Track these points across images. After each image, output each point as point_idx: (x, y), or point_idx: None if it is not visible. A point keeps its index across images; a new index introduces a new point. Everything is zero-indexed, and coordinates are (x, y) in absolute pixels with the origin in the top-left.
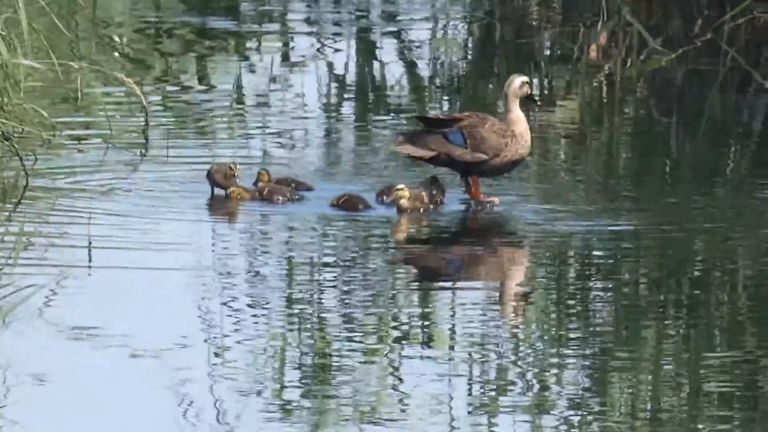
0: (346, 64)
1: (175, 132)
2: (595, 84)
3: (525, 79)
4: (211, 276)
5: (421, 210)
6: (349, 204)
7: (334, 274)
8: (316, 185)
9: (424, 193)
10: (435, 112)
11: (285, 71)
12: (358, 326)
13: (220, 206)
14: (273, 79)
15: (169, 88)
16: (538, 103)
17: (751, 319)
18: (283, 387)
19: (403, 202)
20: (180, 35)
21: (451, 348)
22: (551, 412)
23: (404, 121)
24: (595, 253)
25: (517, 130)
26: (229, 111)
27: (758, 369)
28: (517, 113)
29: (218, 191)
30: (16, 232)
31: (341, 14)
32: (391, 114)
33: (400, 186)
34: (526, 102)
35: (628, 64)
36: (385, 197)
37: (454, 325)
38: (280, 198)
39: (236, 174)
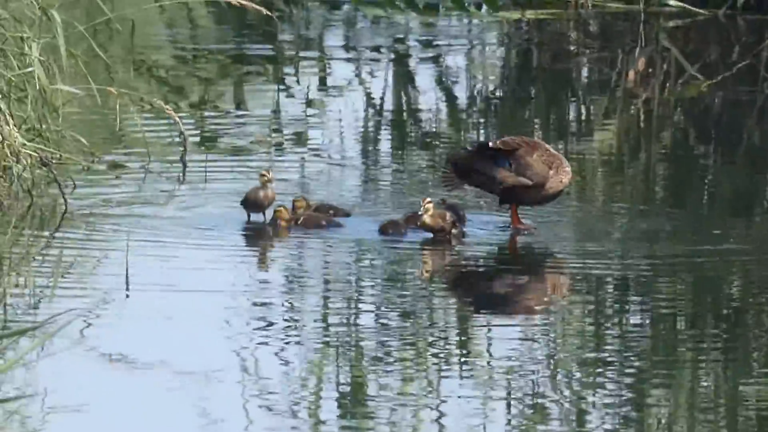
0: (384, 90)
1: (213, 158)
2: (632, 110)
3: None
4: (248, 302)
5: (445, 228)
6: (393, 228)
7: (371, 301)
8: (353, 211)
9: (448, 214)
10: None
11: (322, 97)
12: (395, 354)
13: (258, 232)
14: (310, 105)
15: (207, 114)
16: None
17: None
18: (318, 417)
19: (426, 218)
20: (217, 61)
21: (489, 376)
22: None
23: (442, 148)
24: (632, 281)
25: (562, 160)
26: (267, 137)
27: None
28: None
29: (254, 217)
30: (55, 259)
31: (379, 40)
32: (429, 142)
33: (428, 200)
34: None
35: (666, 91)
36: (416, 223)
37: (490, 352)
38: (321, 223)
39: (269, 178)
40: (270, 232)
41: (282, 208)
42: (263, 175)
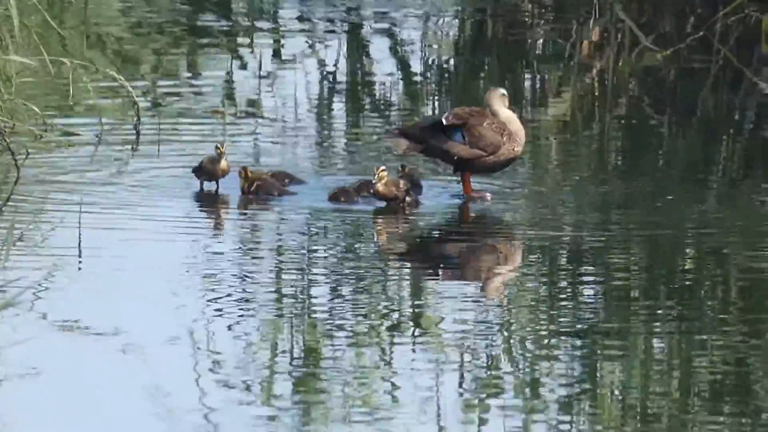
0: (338, 62)
1: (166, 128)
2: (586, 81)
3: (503, 91)
4: (200, 272)
5: (399, 197)
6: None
7: (325, 270)
8: (309, 180)
9: (401, 182)
10: (437, 110)
11: (276, 69)
12: (347, 321)
13: (211, 201)
14: (264, 77)
15: (160, 84)
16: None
17: (743, 317)
18: (271, 388)
19: (379, 186)
20: (171, 32)
21: (441, 344)
22: (541, 410)
23: (396, 118)
24: (586, 248)
25: (512, 128)
26: (223, 108)
27: (749, 371)
28: (507, 113)
29: (207, 186)
30: (7, 227)
31: (333, 12)
32: (383, 111)
33: (382, 168)
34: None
35: (620, 62)
36: (369, 191)
37: (444, 320)
38: (273, 192)
39: (222, 152)
40: (222, 201)
41: (245, 168)
42: (217, 148)
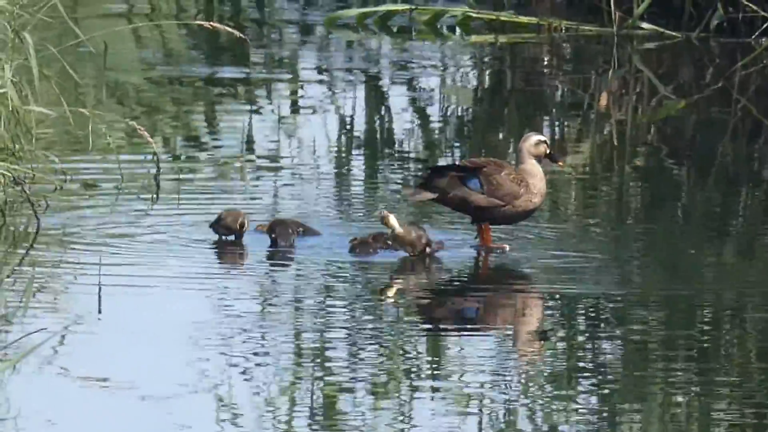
0: (356, 112)
1: (186, 179)
2: (605, 132)
3: (542, 138)
4: (219, 324)
5: (416, 244)
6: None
7: (344, 321)
8: (325, 232)
9: (420, 231)
10: (456, 160)
11: (295, 119)
12: (367, 373)
13: (230, 254)
14: (282, 127)
15: (180, 135)
16: (560, 162)
17: (762, 360)
18: None
19: (398, 229)
20: (190, 83)
21: (460, 397)
22: None
23: (413, 169)
24: (605, 301)
25: (531, 180)
26: (239, 159)
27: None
28: (531, 164)
29: (225, 239)
30: (27, 278)
31: (352, 62)
32: (401, 162)
33: (385, 212)
34: (546, 161)
35: (639, 112)
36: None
37: (463, 374)
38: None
39: (246, 226)
40: (241, 254)
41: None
42: (259, 226)
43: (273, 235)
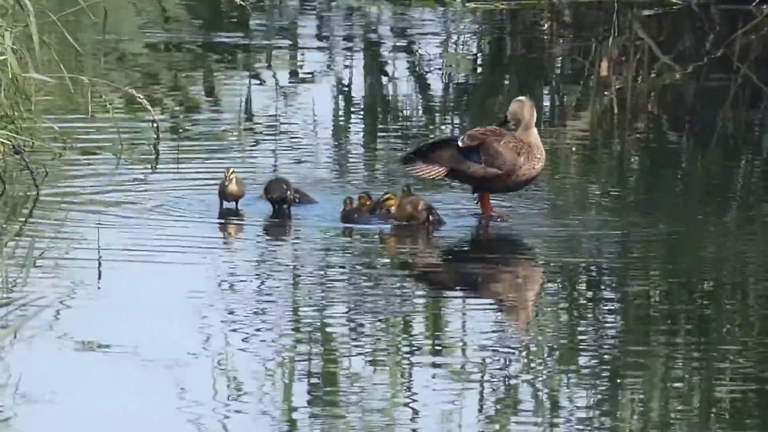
0: (356, 79)
1: (185, 146)
2: (605, 99)
3: (532, 103)
4: (219, 289)
5: (418, 217)
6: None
7: (343, 288)
8: (322, 199)
9: (421, 202)
10: (456, 127)
11: (294, 87)
12: (367, 341)
13: (228, 219)
14: (282, 95)
15: (179, 102)
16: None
17: (763, 331)
18: (291, 403)
19: (393, 210)
20: (189, 50)
21: (462, 363)
22: (562, 426)
23: (414, 136)
24: (605, 266)
25: (532, 145)
26: (238, 125)
27: None
28: (533, 128)
29: (227, 204)
30: (26, 246)
31: (351, 29)
32: (401, 130)
33: (387, 195)
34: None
35: (639, 80)
36: (378, 210)
37: (465, 340)
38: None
39: (228, 176)
40: (240, 220)
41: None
42: (230, 171)
43: (268, 195)
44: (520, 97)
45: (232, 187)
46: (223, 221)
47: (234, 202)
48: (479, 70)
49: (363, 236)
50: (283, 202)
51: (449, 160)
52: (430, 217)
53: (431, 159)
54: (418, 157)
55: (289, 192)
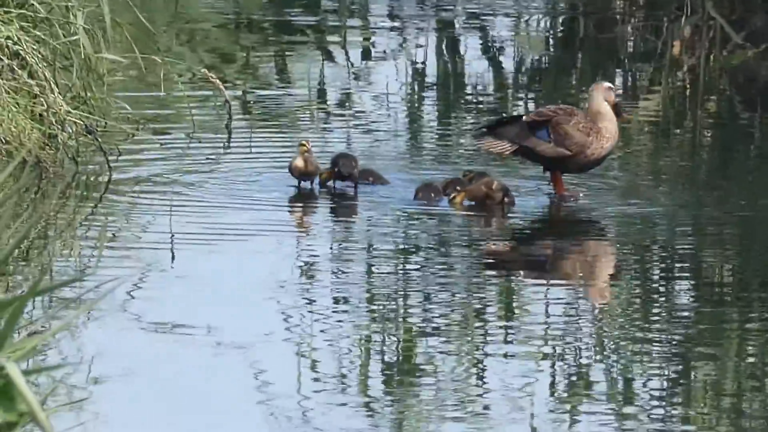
0: (428, 60)
1: (258, 125)
2: (678, 79)
3: (611, 85)
4: (294, 269)
5: (493, 197)
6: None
7: (418, 269)
8: (396, 179)
9: (495, 182)
10: (528, 108)
11: (366, 67)
12: (442, 322)
13: (302, 199)
14: (354, 75)
15: (250, 82)
16: (624, 116)
17: None
18: (366, 384)
19: (457, 200)
20: (261, 30)
21: (534, 345)
22: (634, 413)
23: (485, 116)
24: (678, 246)
25: (602, 125)
26: (310, 105)
27: None
28: (603, 107)
29: (303, 184)
30: (100, 226)
31: (424, 9)
32: (474, 110)
33: (457, 189)
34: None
35: (712, 59)
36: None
37: (536, 321)
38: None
39: (307, 148)
40: (313, 199)
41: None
42: (302, 145)
43: (336, 168)
44: (598, 81)
45: (299, 162)
46: (295, 202)
47: (308, 181)
48: (551, 49)
49: (434, 216)
50: (349, 178)
51: (518, 137)
52: (506, 198)
53: (500, 134)
54: (488, 133)
55: (356, 170)
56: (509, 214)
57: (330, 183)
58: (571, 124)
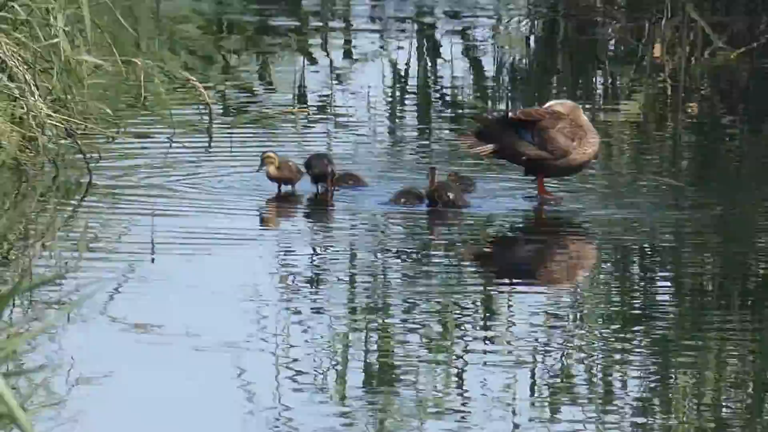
0: (409, 61)
1: (238, 129)
2: (658, 81)
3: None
4: (273, 271)
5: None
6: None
7: (397, 272)
8: (375, 182)
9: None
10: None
11: (347, 68)
12: (421, 326)
13: (281, 202)
14: (335, 77)
15: (232, 85)
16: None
17: None
18: (345, 386)
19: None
20: (242, 32)
21: (514, 345)
22: (614, 414)
23: (466, 118)
24: (658, 249)
25: (586, 132)
26: (292, 108)
27: None
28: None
29: (284, 188)
30: (80, 229)
31: (404, 11)
32: (454, 111)
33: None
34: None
35: (692, 62)
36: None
37: (516, 323)
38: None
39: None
40: (293, 204)
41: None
42: (268, 157)
43: (309, 171)
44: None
45: (270, 169)
46: (274, 206)
47: (288, 185)
48: (532, 51)
49: (409, 219)
50: (324, 178)
51: (499, 138)
52: (450, 195)
53: (482, 135)
54: (472, 133)
55: (330, 167)
56: (486, 215)
57: (335, 188)
58: (556, 128)
